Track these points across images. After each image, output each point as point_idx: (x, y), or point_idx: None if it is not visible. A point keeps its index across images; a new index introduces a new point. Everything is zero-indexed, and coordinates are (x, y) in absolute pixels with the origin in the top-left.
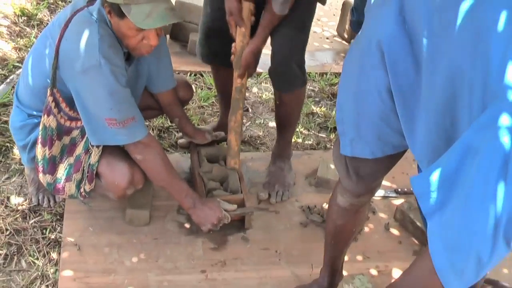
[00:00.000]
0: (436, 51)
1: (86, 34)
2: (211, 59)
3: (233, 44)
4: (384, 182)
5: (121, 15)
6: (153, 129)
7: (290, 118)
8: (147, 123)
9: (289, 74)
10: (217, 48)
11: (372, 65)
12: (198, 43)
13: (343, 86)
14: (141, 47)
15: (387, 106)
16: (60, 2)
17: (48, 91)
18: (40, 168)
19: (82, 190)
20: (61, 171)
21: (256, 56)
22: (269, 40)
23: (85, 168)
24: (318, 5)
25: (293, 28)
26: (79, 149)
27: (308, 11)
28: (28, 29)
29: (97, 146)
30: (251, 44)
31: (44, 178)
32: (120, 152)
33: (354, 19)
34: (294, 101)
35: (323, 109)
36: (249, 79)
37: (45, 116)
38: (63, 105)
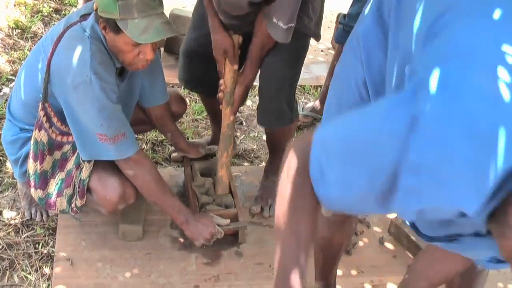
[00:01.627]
0: (396, 44)
1: (77, 49)
2: (193, 86)
3: (221, 81)
4: None
5: (117, 30)
6: (146, 143)
7: (280, 146)
8: (140, 137)
9: (275, 112)
10: (200, 75)
11: (353, 57)
12: (180, 67)
13: (334, 76)
14: (137, 61)
15: (363, 98)
16: (54, 15)
17: (40, 106)
18: (32, 183)
19: (73, 205)
20: (53, 186)
21: (248, 92)
22: None
23: (76, 183)
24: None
25: (283, 64)
26: (70, 164)
27: (300, 46)
28: (22, 42)
29: (88, 161)
30: (243, 81)
31: (35, 193)
32: (111, 167)
33: (344, 22)
34: (283, 135)
35: (318, 122)
36: None
37: (37, 130)
38: (54, 119)
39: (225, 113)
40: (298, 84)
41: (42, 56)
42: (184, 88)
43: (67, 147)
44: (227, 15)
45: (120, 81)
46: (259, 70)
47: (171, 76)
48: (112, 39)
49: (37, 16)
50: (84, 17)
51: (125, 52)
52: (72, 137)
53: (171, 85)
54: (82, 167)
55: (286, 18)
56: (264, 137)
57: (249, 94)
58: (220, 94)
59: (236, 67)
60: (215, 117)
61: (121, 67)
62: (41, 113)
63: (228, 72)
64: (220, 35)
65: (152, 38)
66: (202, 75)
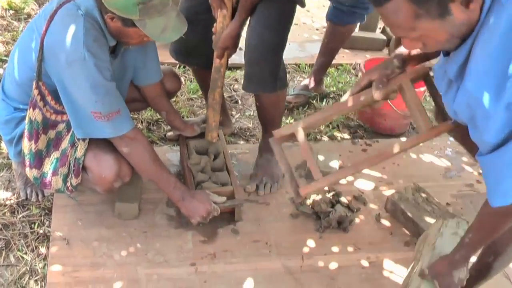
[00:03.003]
0: None
1: (71, 27)
2: (185, 58)
3: (214, 24)
4: (374, 173)
5: (130, 25)
6: (141, 122)
7: (270, 119)
8: (135, 116)
9: (257, 77)
10: (192, 46)
11: None
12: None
13: None
14: (140, 42)
15: None
16: None
17: (34, 84)
18: (27, 162)
19: (69, 184)
20: (48, 165)
21: (234, 38)
22: None
23: (71, 162)
24: None
25: (267, 28)
26: (65, 143)
27: (285, 12)
28: (15, 23)
29: (83, 140)
30: (229, 27)
31: (30, 173)
32: (106, 145)
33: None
34: (271, 104)
35: (313, 100)
36: (237, 71)
37: (31, 109)
38: (48, 98)
39: (214, 56)
40: (293, 62)
41: (35, 34)
42: (178, 66)
43: (61, 126)
44: None
45: (112, 58)
46: (246, 36)
47: (166, 55)
48: (119, 28)
49: None
50: None
51: (132, 38)
52: (67, 115)
53: (166, 64)
54: (77, 146)
55: None
56: None
57: None
58: (213, 37)
59: (224, 12)
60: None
61: (115, 46)
62: (35, 91)
63: (219, 16)
64: None
65: (172, 37)
66: (194, 46)
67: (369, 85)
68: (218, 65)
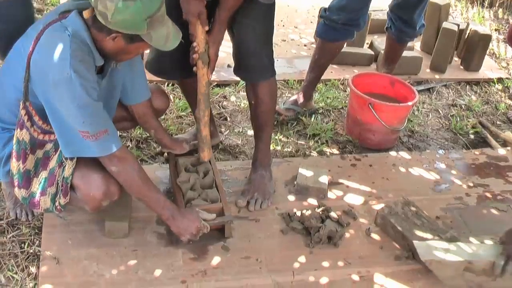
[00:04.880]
0: None
1: (57, 48)
2: (163, 75)
3: (194, 44)
4: (364, 187)
5: (134, 40)
6: (131, 140)
7: (266, 115)
8: (124, 135)
9: (257, 66)
10: (169, 64)
11: None
12: (150, 59)
13: None
14: (135, 56)
15: None
16: (36, 15)
17: (21, 105)
18: (16, 183)
19: (57, 203)
20: (36, 185)
21: (217, 50)
22: None
23: (59, 181)
24: (296, 12)
25: (256, 21)
26: (53, 163)
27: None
28: None
29: (71, 159)
30: (215, 41)
31: (19, 193)
32: (94, 164)
33: (325, 15)
34: (268, 94)
35: (302, 116)
36: (226, 88)
37: (18, 130)
38: (36, 118)
39: (202, 72)
40: (282, 78)
41: (22, 54)
42: (167, 84)
43: (49, 146)
44: None
45: (100, 78)
46: (233, 33)
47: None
48: (120, 47)
49: None
50: (63, 14)
51: (130, 53)
52: (54, 135)
53: (154, 82)
54: (65, 165)
55: None
56: (249, 132)
57: (233, 90)
58: (195, 56)
59: (207, 28)
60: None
61: (102, 65)
62: (22, 112)
63: (200, 33)
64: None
65: (174, 44)
66: (175, 59)
67: None
68: (209, 81)
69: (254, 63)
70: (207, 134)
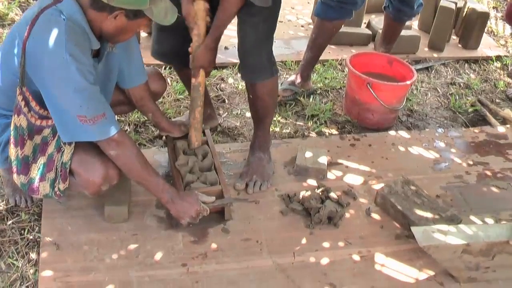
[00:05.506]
0: None
1: (53, 32)
2: (170, 59)
3: (191, 45)
4: (363, 167)
5: (135, 16)
6: (129, 124)
7: (265, 110)
8: (122, 119)
9: (256, 65)
10: (176, 46)
11: None
12: (154, 41)
13: None
14: (131, 36)
15: None
16: (31, 1)
17: (18, 90)
18: (14, 169)
19: (56, 189)
20: (35, 171)
21: (208, 55)
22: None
23: (58, 166)
24: None
25: (258, 18)
26: (51, 148)
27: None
28: (0, 29)
29: (69, 144)
30: (203, 44)
31: (18, 179)
32: (93, 148)
33: None
34: (266, 93)
35: (300, 97)
36: (223, 70)
37: (16, 115)
38: (33, 103)
39: (192, 74)
40: (279, 59)
41: (17, 40)
42: (164, 67)
43: (47, 131)
44: None
45: (96, 62)
46: (237, 30)
47: (150, 57)
48: (121, 24)
49: (14, 3)
50: None
51: (129, 32)
52: (52, 120)
53: (152, 65)
54: (63, 150)
55: None
56: (247, 114)
57: (231, 72)
58: (190, 56)
59: (195, 32)
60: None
61: (98, 49)
62: (19, 97)
63: (193, 36)
64: (183, 2)
65: (173, 18)
66: (178, 46)
67: None
68: (196, 84)
69: (253, 62)
70: (192, 136)
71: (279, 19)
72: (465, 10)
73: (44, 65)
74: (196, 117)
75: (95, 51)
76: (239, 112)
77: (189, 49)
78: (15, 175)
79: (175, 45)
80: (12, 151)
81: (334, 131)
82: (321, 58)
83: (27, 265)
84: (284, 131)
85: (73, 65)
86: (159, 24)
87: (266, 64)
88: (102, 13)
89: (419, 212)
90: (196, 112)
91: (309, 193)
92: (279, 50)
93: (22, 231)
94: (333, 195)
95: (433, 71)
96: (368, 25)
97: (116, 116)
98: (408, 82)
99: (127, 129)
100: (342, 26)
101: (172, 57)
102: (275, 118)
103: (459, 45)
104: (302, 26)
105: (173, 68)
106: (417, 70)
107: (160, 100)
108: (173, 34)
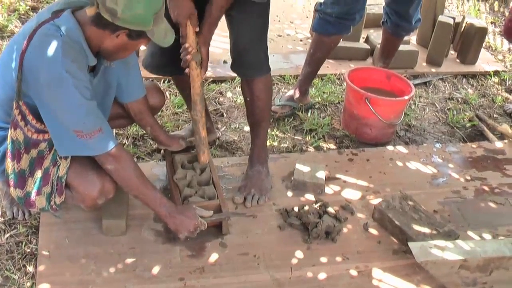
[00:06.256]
0: None
1: (50, 48)
2: (160, 70)
3: (186, 45)
4: (361, 182)
5: (137, 37)
6: (127, 138)
7: (262, 112)
8: (121, 132)
9: (254, 61)
10: (165, 59)
11: None
12: (146, 54)
13: None
14: (129, 55)
15: None
16: (31, 13)
17: (14, 104)
18: (11, 182)
19: (52, 203)
20: (31, 185)
21: (207, 43)
22: None
23: (54, 180)
24: (291, 7)
25: (253, 14)
26: (47, 162)
27: None
28: None
29: (65, 158)
30: (206, 41)
31: (15, 192)
32: (89, 162)
33: (320, 9)
34: (264, 90)
35: (298, 111)
36: (222, 84)
37: (12, 129)
38: (29, 117)
39: (197, 73)
40: (278, 74)
41: (15, 54)
42: (162, 81)
43: (43, 145)
44: None
45: (92, 77)
46: (230, 27)
47: None
48: (122, 43)
49: (14, 15)
50: (56, 13)
51: (128, 51)
52: (48, 134)
53: (150, 79)
54: (59, 164)
55: None
56: (246, 128)
57: (229, 87)
58: (188, 57)
59: (197, 29)
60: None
61: (95, 65)
62: (16, 111)
63: (192, 34)
64: (183, 1)
65: (172, 39)
66: (172, 56)
67: None
68: (203, 80)
69: (251, 59)
70: (206, 136)
71: (278, 33)
72: (463, 25)
73: (41, 80)
74: (204, 115)
75: (91, 66)
76: (237, 126)
77: (189, 48)
78: (12, 189)
79: (169, 57)
80: (9, 164)
81: (332, 146)
82: (319, 72)
83: (24, 278)
84: (282, 145)
85: (70, 81)
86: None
87: (263, 59)
88: (103, 31)
89: (416, 227)
90: (203, 110)
91: (307, 207)
92: (277, 64)
93: (20, 244)
94: (330, 210)
95: (431, 86)
96: (367, 40)
97: (114, 130)
98: (406, 97)
99: (125, 143)
100: (341, 40)
101: (166, 68)
102: (273, 132)
103: (457, 60)
104: (301, 41)
105: (171, 78)
106: (415, 85)
107: (159, 113)
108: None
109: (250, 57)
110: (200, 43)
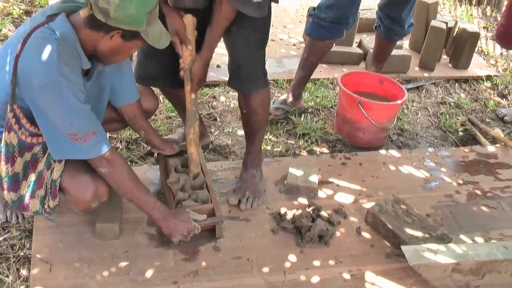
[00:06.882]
0: None
1: (44, 51)
2: (150, 82)
3: (180, 60)
4: (354, 186)
5: (131, 38)
6: (121, 141)
7: (258, 124)
8: (114, 136)
9: (251, 76)
10: (155, 71)
11: None
12: (137, 64)
13: None
14: (124, 58)
15: None
16: (24, 17)
17: (8, 107)
18: (5, 186)
19: (46, 206)
20: (25, 188)
21: (206, 69)
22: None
23: (48, 184)
24: (284, 12)
25: (251, 29)
26: (41, 165)
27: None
28: None
29: (59, 161)
30: (200, 59)
31: (8, 196)
32: (82, 165)
33: (314, 13)
34: (260, 104)
35: (291, 116)
36: (215, 88)
37: (6, 133)
38: (23, 121)
39: (187, 90)
40: (271, 78)
41: (9, 57)
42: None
43: (37, 148)
44: None
45: (86, 81)
46: (228, 42)
47: None
48: (117, 45)
49: (7, 19)
50: (51, 17)
51: (123, 54)
52: (42, 138)
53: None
54: (53, 168)
55: None
56: (239, 132)
57: (223, 91)
58: (181, 73)
59: (190, 47)
60: (183, 111)
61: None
62: (10, 114)
63: (185, 51)
64: (171, 18)
65: (167, 42)
66: (163, 68)
67: None
68: (193, 100)
69: (248, 74)
70: (193, 153)
71: (271, 37)
72: (456, 30)
73: (35, 84)
74: (196, 131)
75: (85, 70)
76: (230, 130)
77: (181, 64)
78: (5, 192)
79: (159, 68)
80: (3, 168)
81: (325, 150)
82: (312, 77)
83: (18, 281)
84: (276, 149)
85: (64, 84)
86: (143, 49)
87: (260, 74)
88: (98, 33)
89: (409, 231)
90: (196, 126)
91: (300, 211)
92: (271, 68)
93: (13, 247)
94: (323, 213)
95: (424, 90)
96: (360, 45)
97: (108, 134)
98: (399, 102)
99: (119, 146)
100: (334, 45)
101: (156, 80)
102: (266, 137)
103: (450, 65)
104: (294, 45)
105: (159, 89)
106: (408, 90)
107: (152, 117)
108: (157, 58)
109: (247, 72)
110: (195, 60)
